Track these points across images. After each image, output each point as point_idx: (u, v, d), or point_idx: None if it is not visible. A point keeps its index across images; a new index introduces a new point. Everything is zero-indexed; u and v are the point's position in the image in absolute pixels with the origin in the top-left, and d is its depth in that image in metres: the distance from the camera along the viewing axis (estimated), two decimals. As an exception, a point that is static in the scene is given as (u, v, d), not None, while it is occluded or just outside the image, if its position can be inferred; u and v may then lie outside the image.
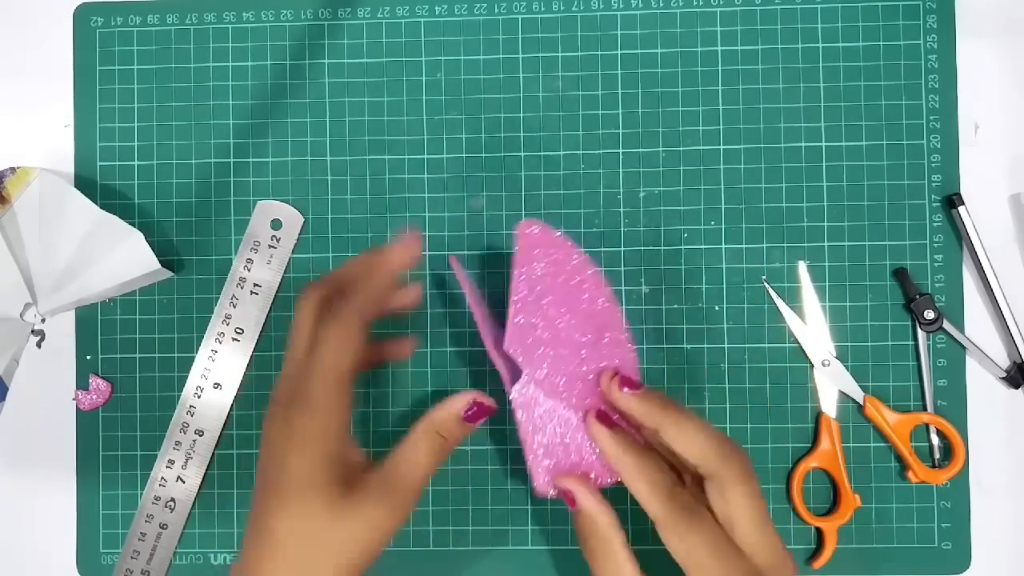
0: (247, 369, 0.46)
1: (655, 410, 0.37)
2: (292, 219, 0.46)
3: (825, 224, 0.45)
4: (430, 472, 0.36)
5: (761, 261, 0.45)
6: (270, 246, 0.46)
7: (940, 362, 0.45)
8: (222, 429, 0.45)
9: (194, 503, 0.45)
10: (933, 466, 0.44)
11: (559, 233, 0.39)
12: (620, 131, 0.46)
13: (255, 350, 0.46)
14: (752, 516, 0.35)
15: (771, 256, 0.45)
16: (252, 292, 0.45)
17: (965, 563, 0.44)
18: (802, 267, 0.45)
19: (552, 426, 0.38)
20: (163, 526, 0.45)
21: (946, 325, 0.44)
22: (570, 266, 0.39)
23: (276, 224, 0.46)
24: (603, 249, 0.45)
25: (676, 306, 0.45)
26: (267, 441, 0.36)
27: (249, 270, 0.46)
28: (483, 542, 0.45)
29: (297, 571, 0.34)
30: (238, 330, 0.45)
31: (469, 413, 0.38)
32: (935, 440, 0.44)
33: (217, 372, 0.45)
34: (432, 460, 0.36)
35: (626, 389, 0.38)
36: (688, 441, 0.36)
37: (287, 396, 0.36)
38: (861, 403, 0.44)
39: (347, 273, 0.38)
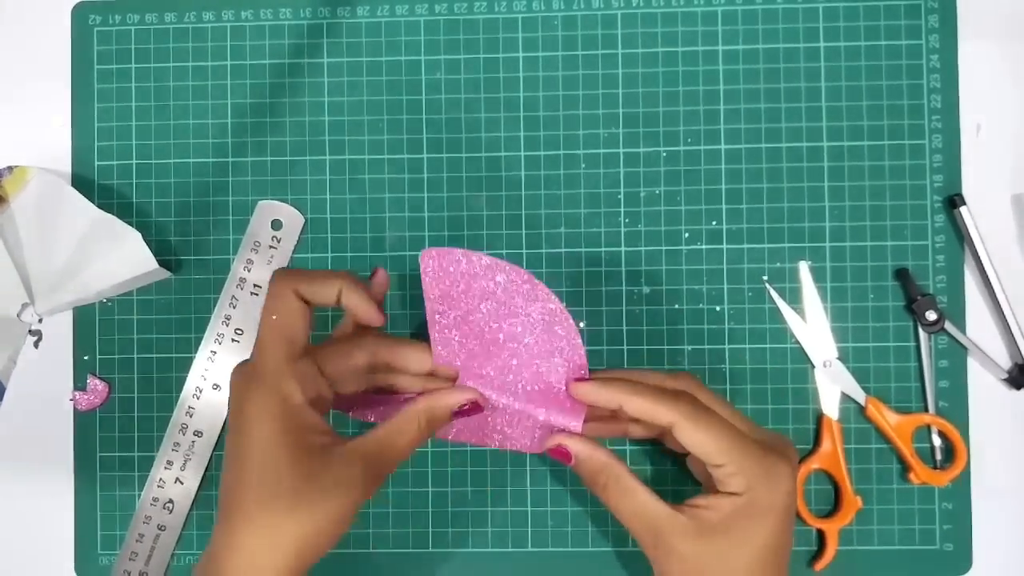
0: (246, 370, 0.45)
1: (612, 392, 0.38)
2: (293, 219, 0.46)
3: (826, 224, 0.45)
4: (408, 455, 0.37)
5: (762, 261, 0.45)
6: (270, 246, 0.45)
7: (942, 363, 0.45)
8: (221, 430, 0.45)
9: (192, 504, 0.45)
10: (935, 467, 0.44)
11: (457, 250, 0.39)
12: (621, 131, 0.46)
13: (254, 351, 0.46)
14: (728, 414, 0.38)
15: (772, 256, 0.45)
16: (252, 293, 0.45)
17: (967, 565, 0.44)
18: (803, 267, 0.45)
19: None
20: (161, 527, 0.45)
21: (948, 326, 0.44)
22: (476, 277, 0.39)
23: (276, 224, 0.46)
24: (603, 249, 0.45)
25: (677, 307, 0.45)
26: (229, 424, 0.36)
27: (249, 271, 0.45)
28: (482, 544, 0.45)
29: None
30: (238, 331, 0.45)
31: (463, 409, 0.38)
32: (937, 441, 0.44)
33: (216, 373, 0.45)
34: (415, 444, 0.37)
35: (581, 385, 0.38)
36: (648, 408, 0.37)
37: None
38: (862, 404, 0.44)
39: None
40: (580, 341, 0.38)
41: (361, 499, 0.35)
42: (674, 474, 0.45)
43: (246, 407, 0.35)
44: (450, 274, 0.38)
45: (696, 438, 0.36)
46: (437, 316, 0.39)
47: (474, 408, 0.39)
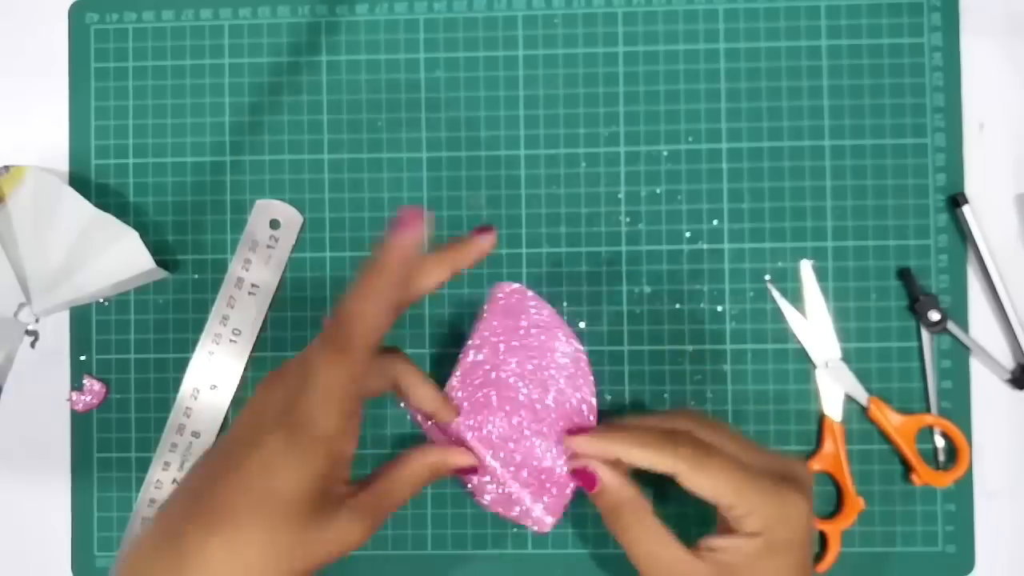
0: (244, 370, 0.45)
1: (609, 442, 0.36)
2: (291, 219, 0.45)
3: (828, 224, 0.45)
4: (405, 503, 0.36)
5: (764, 261, 0.45)
6: (268, 246, 0.45)
7: (944, 363, 0.44)
8: (219, 431, 0.45)
9: (190, 506, 0.45)
10: (937, 468, 0.44)
11: (531, 294, 0.38)
12: (621, 129, 0.45)
13: (253, 351, 0.45)
14: (734, 448, 0.36)
15: (774, 256, 0.45)
16: (250, 292, 0.45)
17: (969, 566, 0.44)
18: (805, 267, 0.45)
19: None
20: (158, 529, 0.45)
21: (950, 326, 0.44)
22: (535, 327, 0.38)
23: (275, 224, 0.45)
24: (604, 249, 0.45)
25: (678, 306, 0.45)
26: (256, 441, 0.32)
27: (247, 270, 0.45)
28: (481, 546, 0.45)
29: None
30: (235, 331, 0.45)
31: (465, 471, 0.37)
32: (939, 442, 0.44)
33: (214, 373, 0.45)
34: (415, 493, 0.36)
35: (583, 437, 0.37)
36: (647, 457, 0.35)
37: (285, 407, 0.33)
38: (865, 405, 0.44)
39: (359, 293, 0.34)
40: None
41: (356, 547, 0.33)
42: (696, 515, 0.43)
43: (284, 448, 0.32)
44: (509, 318, 0.38)
45: (701, 483, 0.34)
46: (472, 352, 0.38)
47: (475, 472, 0.37)
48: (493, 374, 0.38)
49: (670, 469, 0.35)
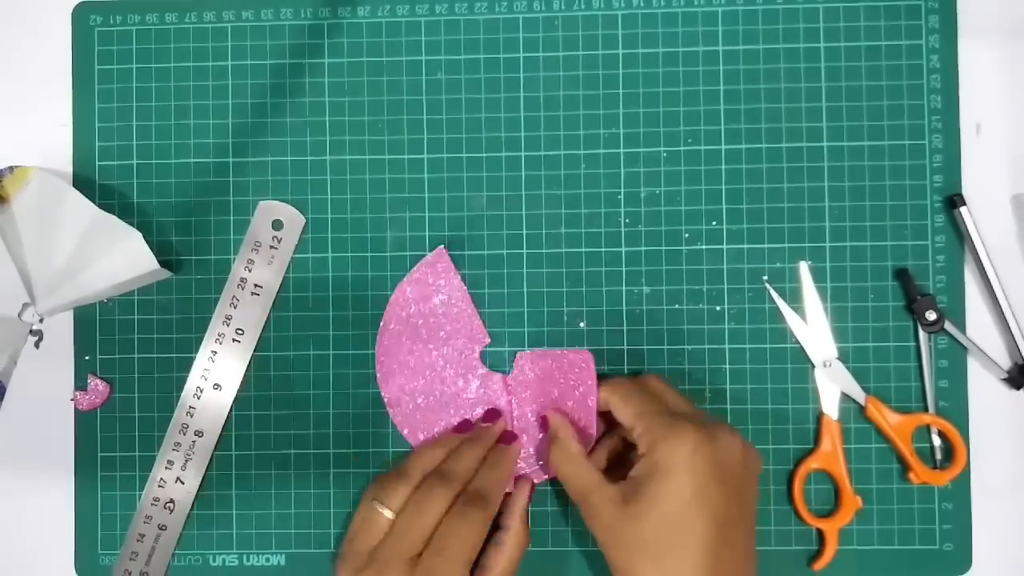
0: (247, 370, 0.45)
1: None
2: (294, 220, 0.46)
3: (827, 224, 0.45)
4: None
5: (762, 261, 0.45)
6: (271, 247, 0.45)
7: (941, 363, 0.45)
8: (222, 430, 0.45)
9: (193, 504, 0.45)
10: (934, 467, 0.44)
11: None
12: (621, 131, 0.46)
13: (255, 351, 0.46)
14: (669, 398, 0.42)
15: (772, 256, 0.45)
16: (253, 293, 0.45)
17: (966, 564, 0.44)
18: (803, 267, 0.45)
19: None
20: (162, 527, 0.45)
21: (947, 326, 0.44)
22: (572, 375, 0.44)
23: (277, 224, 0.46)
24: (603, 249, 0.45)
25: (677, 307, 0.45)
26: None
27: (250, 271, 0.45)
28: (483, 543, 0.45)
29: None
30: (238, 331, 0.45)
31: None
32: (936, 441, 0.44)
33: (217, 373, 0.45)
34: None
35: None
36: (601, 395, 0.42)
37: None
38: (862, 404, 0.44)
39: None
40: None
41: None
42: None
43: None
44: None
45: (616, 405, 0.41)
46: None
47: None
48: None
49: (604, 399, 0.42)
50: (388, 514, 0.40)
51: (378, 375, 0.45)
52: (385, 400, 0.45)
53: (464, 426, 0.44)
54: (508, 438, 0.44)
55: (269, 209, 0.46)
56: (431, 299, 0.45)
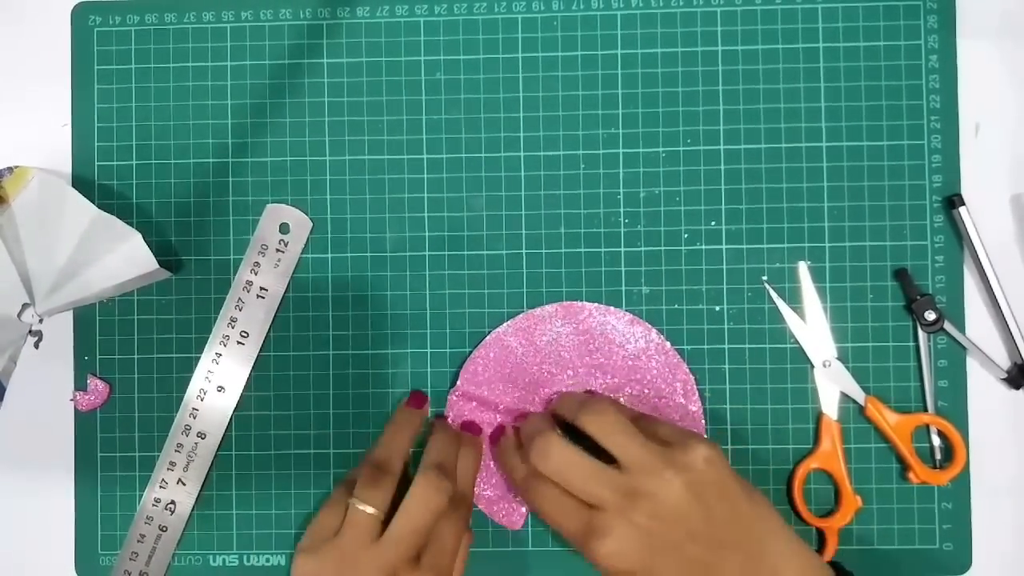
0: (251, 372, 0.45)
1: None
2: (300, 223, 0.46)
3: (826, 225, 0.45)
4: None
5: (762, 262, 0.45)
6: (278, 250, 0.45)
7: (941, 363, 0.45)
8: (224, 433, 0.45)
9: (194, 506, 0.45)
10: (934, 467, 0.44)
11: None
12: (620, 131, 0.46)
13: (260, 353, 0.45)
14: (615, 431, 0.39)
15: (772, 257, 0.45)
16: (258, 296, 0.45)
17: (966, 564, 0.44)
18: (803, 268, 0.45)
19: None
20: (163, 528, 0.45)
21: (947, 326, 0.44)
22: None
23: (284, 228, 0.46)
24: (603, 249, 0.45)
25: (676, 307, 0.45)
26: None
27: (256, 274, 0.45)
28: (482, 544, 0.45)
29: None
30: (243, 333, 0.45)
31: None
32: (936, 441, 0.44)
33: (221, 375, 0.45)
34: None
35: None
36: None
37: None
38: (862, 404, 0.44)
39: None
40: None
41: None
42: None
43: None
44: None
45: (605, 442, 0.39)
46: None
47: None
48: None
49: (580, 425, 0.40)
50: (370, 511, 0.39)
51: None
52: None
53: (417, 401, 0.44)
54: (475, 430, 0.44)
55: (276, 212, 0.46)
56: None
